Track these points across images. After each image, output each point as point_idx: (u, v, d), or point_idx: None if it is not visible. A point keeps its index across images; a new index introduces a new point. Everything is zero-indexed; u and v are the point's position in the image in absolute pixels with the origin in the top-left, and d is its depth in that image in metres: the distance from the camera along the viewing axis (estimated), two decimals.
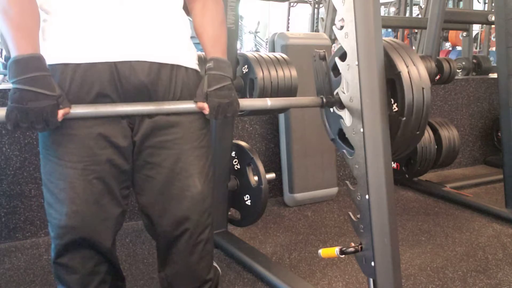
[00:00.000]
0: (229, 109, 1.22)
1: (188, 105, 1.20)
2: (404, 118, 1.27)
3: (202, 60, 2.60)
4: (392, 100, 1.31)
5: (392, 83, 1.29)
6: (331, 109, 1.44)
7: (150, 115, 1.18)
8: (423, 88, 1.28)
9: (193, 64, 1.26)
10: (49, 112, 1.01)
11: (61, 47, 1.11)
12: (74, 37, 1.10)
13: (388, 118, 1.27)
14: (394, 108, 1.30)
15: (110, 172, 1.16)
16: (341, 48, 1.32)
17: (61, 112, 1.04)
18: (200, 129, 1.25)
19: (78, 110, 1.07)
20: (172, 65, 1.18)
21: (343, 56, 1.32)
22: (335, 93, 1.40)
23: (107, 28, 1.10)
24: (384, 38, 1.34)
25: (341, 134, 1.43)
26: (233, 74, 1.24)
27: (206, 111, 1.20)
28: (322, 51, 1.40)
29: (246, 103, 1.34)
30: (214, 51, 1.25)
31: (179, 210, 1.22)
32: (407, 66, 1.29)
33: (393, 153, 1.31)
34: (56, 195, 1.13)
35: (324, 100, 1.38)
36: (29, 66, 1.00)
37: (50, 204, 1.14)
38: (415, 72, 1.29)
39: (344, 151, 1.37)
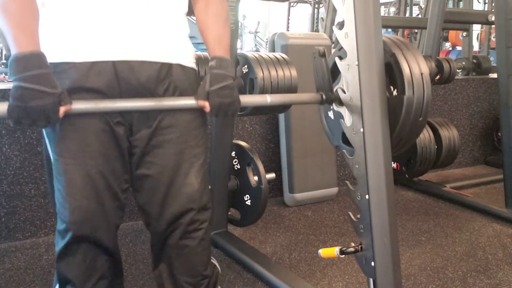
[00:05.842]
0: (230, 108, 1.22)
1: (189, 101, 1.20)
2: (406, 95, 1.24)
3: (202, 60, 2.61)
4: (392, 87, 1.30)
5: (389, 68, 1.28)
6: (330, 112, 1.43)
7: (148, 126, 1.20)
8: (422, 74, 1.27)
9: (191, 63, 1.27)
10: (50, 109, 1.01)
11: (61, 45, 1.12)
12: (74, 35, 1.11)
13: (388, 118, 1.27)
14: (394, 94, 1.29)
15: (108, 166, 1.17)
16: (340, 47, 1.32)
17: (62, 109, 1.04)
18: (197, 128, 1.27)
19: (79, 106, 1.08)
20: (171, 64, 1.19)
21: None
22: (334, 89, 1.40)
23: (107, 25, 1.11)
24: None
25: (345, 138, 1.42)
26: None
27: (207, 109, 1.20)
28: (321, 47, 1.39)
29: (246, 99, 1.34)
30: (217, 50, 1.25)
31: (176, 207, 1.24)
32: (401, 50, 1.29)
33: (397, 141, 1.29)
34: (61, 191, 1.16)
35: (324, 96, 1.38)
36: (30, 63, 1.00)
37: (58, 199, 1.17)
38: (410, 54, 1.28)
39: (345, 151, 1.37)
